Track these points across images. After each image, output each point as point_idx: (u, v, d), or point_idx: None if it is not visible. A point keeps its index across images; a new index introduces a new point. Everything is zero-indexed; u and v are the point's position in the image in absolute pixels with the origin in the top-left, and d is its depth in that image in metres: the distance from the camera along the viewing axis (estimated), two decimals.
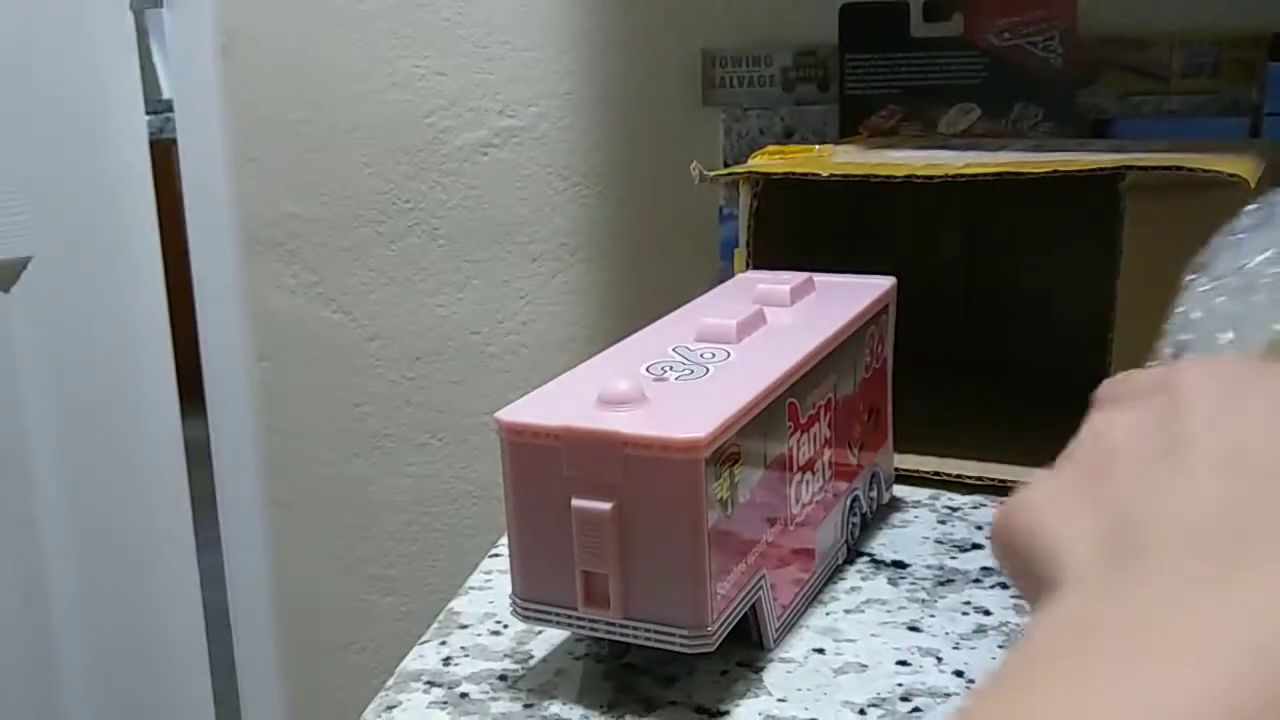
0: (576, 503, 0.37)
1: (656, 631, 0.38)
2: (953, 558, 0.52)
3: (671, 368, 0.42)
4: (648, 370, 0.42)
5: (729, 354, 0.44)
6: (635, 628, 0.38)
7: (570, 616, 0.39)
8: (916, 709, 0.41)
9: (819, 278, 0.54)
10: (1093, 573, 0.21)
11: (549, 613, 0.39)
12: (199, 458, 1.26)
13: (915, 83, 0.90)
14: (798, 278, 0.53)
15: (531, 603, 0.39)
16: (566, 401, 0.39)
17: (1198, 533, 0.20)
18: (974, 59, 0.89)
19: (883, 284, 0.54)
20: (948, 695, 0.42)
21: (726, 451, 0.38)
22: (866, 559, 0.52)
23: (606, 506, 0.37)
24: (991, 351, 0.69)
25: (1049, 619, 0.20)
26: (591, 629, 0.39)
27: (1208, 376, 0.24)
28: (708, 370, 0.42)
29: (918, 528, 0.55)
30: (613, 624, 0.38)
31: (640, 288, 1.08)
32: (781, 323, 0.48)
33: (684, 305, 0.53)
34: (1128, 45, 0.91)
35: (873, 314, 0.52)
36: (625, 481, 0.36)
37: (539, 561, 0.39)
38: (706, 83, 1.01)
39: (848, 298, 0.51)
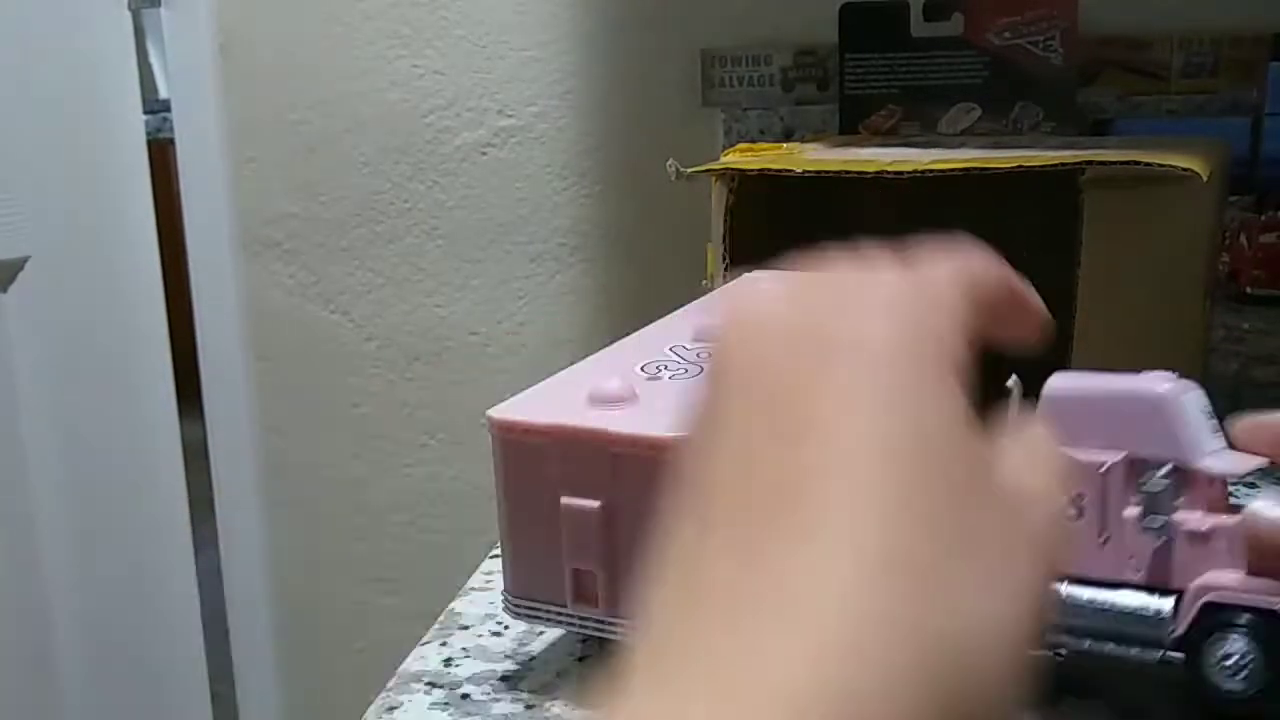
0: (565, 500, 0.37)
1: None
2: None
3: (666, 367, 0.42)
4: (642, 370, 0.42)
5: None
6: (623, 625, 0.38)
7: (560, 613, 0.39)
8: None
9: None
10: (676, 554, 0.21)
11: (540, 609, 0.39)
12: (197, 458, 1.25)
13: (915, 82, 0.90)
14: None
15: (523, 599, 0.39)
16: (558, 400, 0.39)
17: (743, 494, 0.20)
18: (974, 58, 0.89)
19: None
20: None
21: None
22: None
23: (594, 504, 0.37)
24: None
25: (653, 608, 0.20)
26: (581, 625, 0.39)
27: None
28: (702, 370, 0.42)
29: None
30: (601, 621, 0.38)
31: (640, 288, 1.08)
32: None
33: (685, 305, 0.52)
34: (1128, 45, 0.91)
35: None
36: (613, 480, 0.36)
37: (530, 558, 0.39)
38: (706, 82, 1.01)
39: None
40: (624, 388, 0.38)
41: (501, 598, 0.40)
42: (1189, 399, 0.35)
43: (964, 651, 0.19)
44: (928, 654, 0.18)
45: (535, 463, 0.38)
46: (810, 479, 0.20)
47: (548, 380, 0.42)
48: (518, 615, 0.40)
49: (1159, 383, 0.35)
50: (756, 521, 0.19)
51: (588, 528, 0.37)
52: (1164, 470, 0.34)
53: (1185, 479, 0.34)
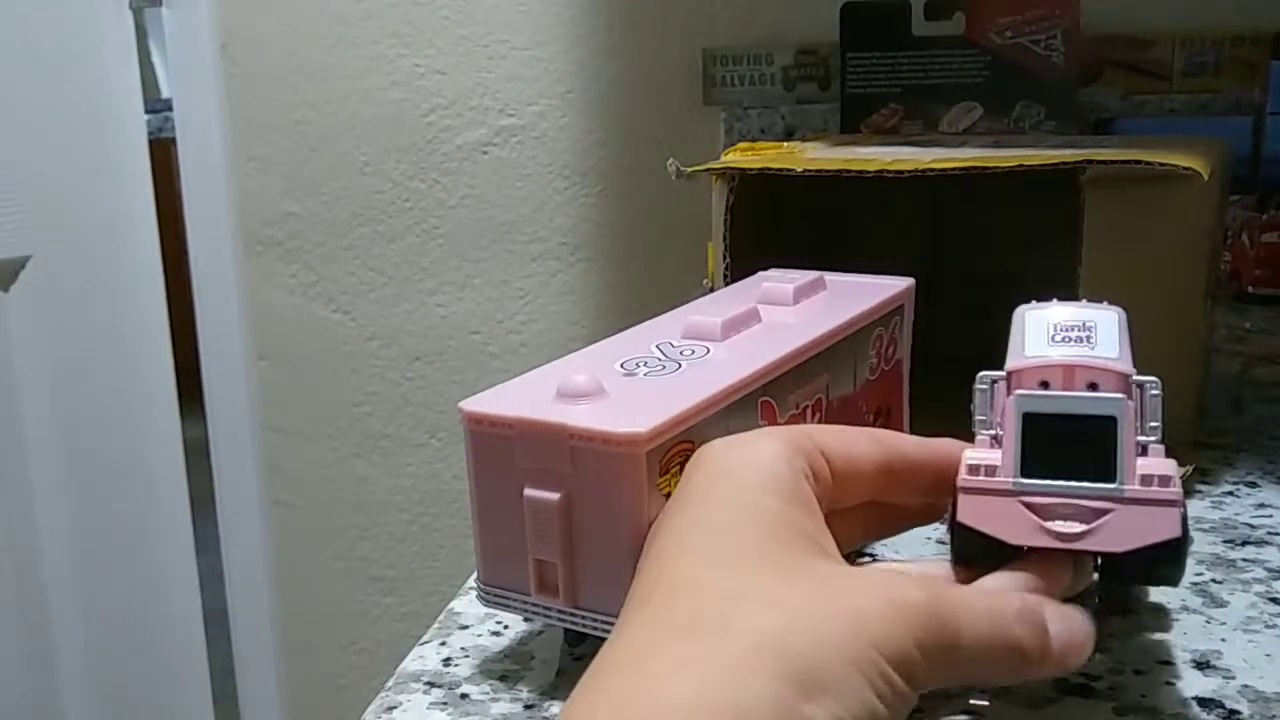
0: (528, 492, 0.38)
1: (604, 621, 0.38)
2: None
3: (646, 364, 0.42)
4: (621, 366, 0.42)
5: (709, 350, 0.44)
6: (584, 616, 0.38)
7: (525, 602, 0.39)
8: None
9: (831, 277, 0.54)
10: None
11: (507, 598, 0.40)
12: (198, 457, 1.26)
13: (917, 81, 0.90)
14: (807, 276, 0.52)
15: (493, 587, 0.40)
16: (528, 393, 0.40)
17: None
18: (975, 58, 0.89)
19: (897, 285, 0.53)
20: (948, 697, 0.41)
21: (676, 447, 0.38)
22: (868, 559, 0.52)
23: (555, 497, 0.37)
24: (952, 346, 0.69)
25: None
26: (545, 616, 0.39)
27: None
28: (680, 366, 0.42)
29: (921, 529, 0.55)
30: (563, 612, 0.38)
31: (640, 287, 1.08)
32: (778, 321, 0.48)
33: (685, 304, 0.52)
34: (1130, 44, 0.91)
35: (880, 314, 0.51)
36: (573, 473, 0.37)
37: (498, 548, 0.39)
38: (707, 82, 1.01)
39: (854, 298, 0.51)
40: (591, 382, 0.38)
41: (475, 586, 0.41)
42: (1034, 316, 0.39)
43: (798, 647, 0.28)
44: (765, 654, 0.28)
45: (501, 454, 0.38)
46: (662, 563, 0.33)
47: (526, 374, 0.42)
48: (488, 603, 0.40)
49: (1029, 304, 0.39)
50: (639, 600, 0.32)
51: (549, 519, 0.37)
52: (990, 374, 0.39)
53: (1003, 384, 0.39)
